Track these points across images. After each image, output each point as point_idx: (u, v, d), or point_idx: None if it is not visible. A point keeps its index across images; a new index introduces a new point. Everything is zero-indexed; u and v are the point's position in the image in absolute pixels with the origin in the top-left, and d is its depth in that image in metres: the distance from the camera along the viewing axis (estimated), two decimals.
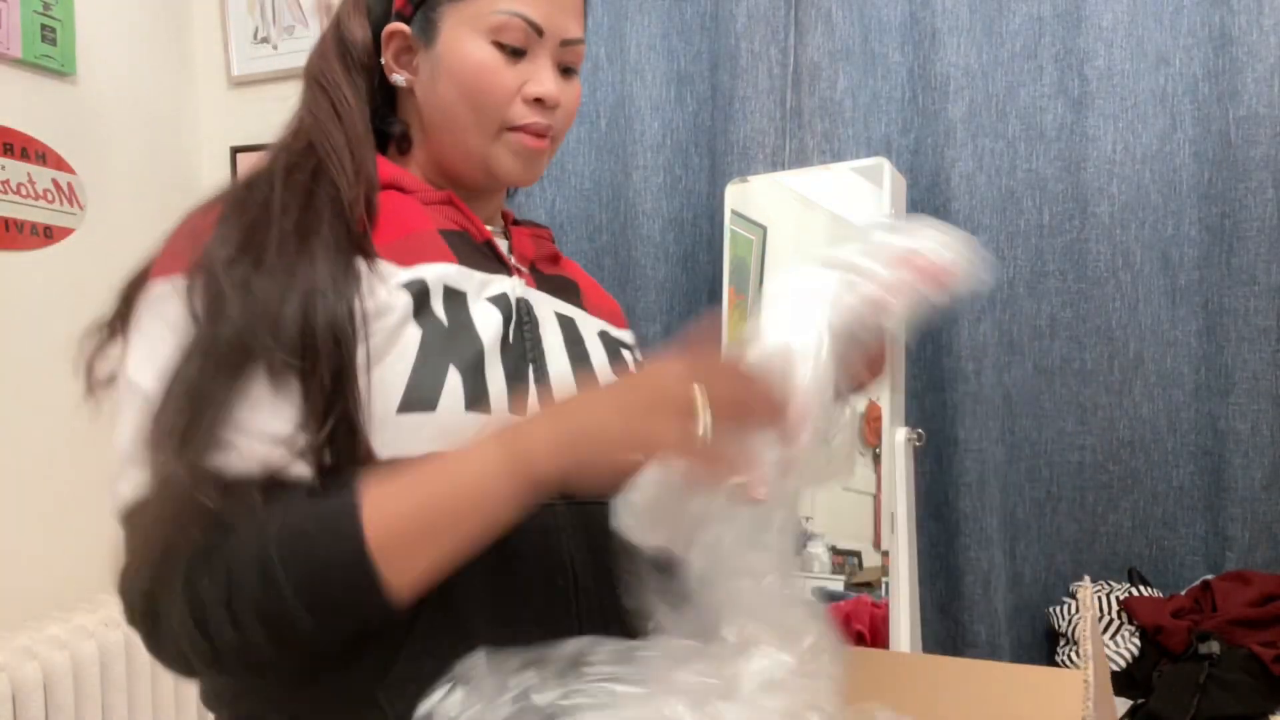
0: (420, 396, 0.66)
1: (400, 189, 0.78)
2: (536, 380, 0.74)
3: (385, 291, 0.68)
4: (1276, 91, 1.55)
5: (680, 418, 0.58)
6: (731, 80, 1.79)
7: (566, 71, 0.80)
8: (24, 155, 1.70)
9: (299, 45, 2.05)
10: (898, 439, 1.53)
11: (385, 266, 0.69)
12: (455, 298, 0.72)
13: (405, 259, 0.71)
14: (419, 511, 0.59)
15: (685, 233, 1.88)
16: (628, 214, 1.86)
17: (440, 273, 0.72)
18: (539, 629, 0.65)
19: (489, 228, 0.82)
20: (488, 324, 0.72)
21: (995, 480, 1.68)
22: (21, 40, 1.67)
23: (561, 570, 0.71)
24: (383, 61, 0.81)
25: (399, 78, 0.80)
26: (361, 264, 0.68)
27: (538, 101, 0.77)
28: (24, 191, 1.69)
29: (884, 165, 1.57)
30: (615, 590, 0.74)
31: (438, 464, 0.60)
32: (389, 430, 0.65)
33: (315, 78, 0.81)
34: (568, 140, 1.92)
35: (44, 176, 1.74)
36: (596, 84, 1.92)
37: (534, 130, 0.77)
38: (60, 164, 1.77)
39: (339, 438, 0.63)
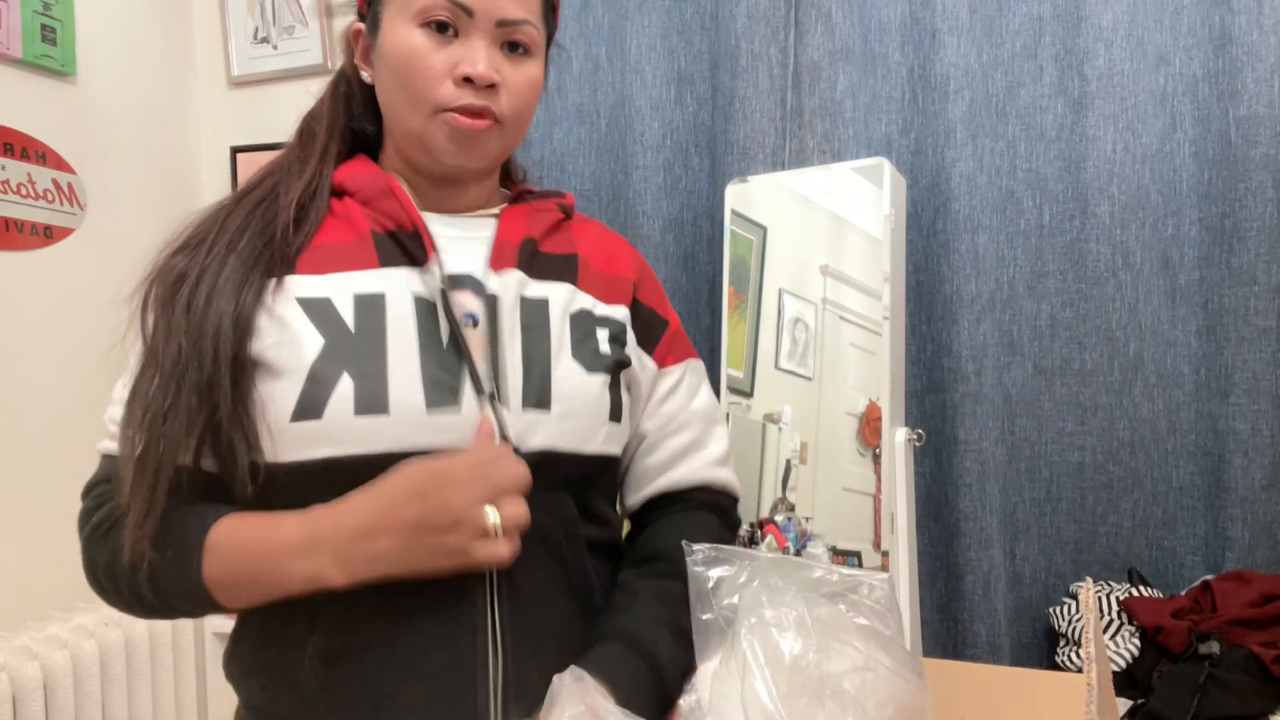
0: (309, 405, 0.70)
1: (346, 191, 0.80)
2: (472, 376, 0.74)
3: (285, 305, 0.72)
4: (1276, 91, 1.55)
5: (474, 539, 0.66)
6: (731, 80, 1.79)
7: (515, 53, 0.78)
8: (24, 155, 1.70)
9: (299, 45, 2.05)
10: (898, 439, 1.53)
11: (294, 280, 0.74)
12: (370, 303, 0.73)
13: (323, 267, 0.75)
14: (237, 568, 0.70)
15: (685, 233, 1.88)
16: (628, 214, 1.86)
17: (353, 280, 0.74)
18: (442, 652, 0.70)
19: (475, 214, 0.83)
20: (402, 327, 0.73)
21: (995, 480, 1.68)
22: (21, 40, 1.67)
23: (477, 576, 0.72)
24: (355, 63, 0.84)
25: (365, 75, 0.83)
26: (271, 282, 0.74)
27: (468, 81, 0.75)
28: (24, 191, 1.69)
29: (884, 165, 1.57)
30: (549, 600, 0.75)
31: (262, 532, 0.70)
32: (286, 438, 0.70)
33: (322, 92, 0.88)
34: (567, 140, 1.92)
35: (44, 176, 1.74)
36: (596, 84, 1.92)
37: (467, 111, 0.76)
38: (60, 164, 1.77)
39: (224, 437, 0.72)
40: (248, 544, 0.70)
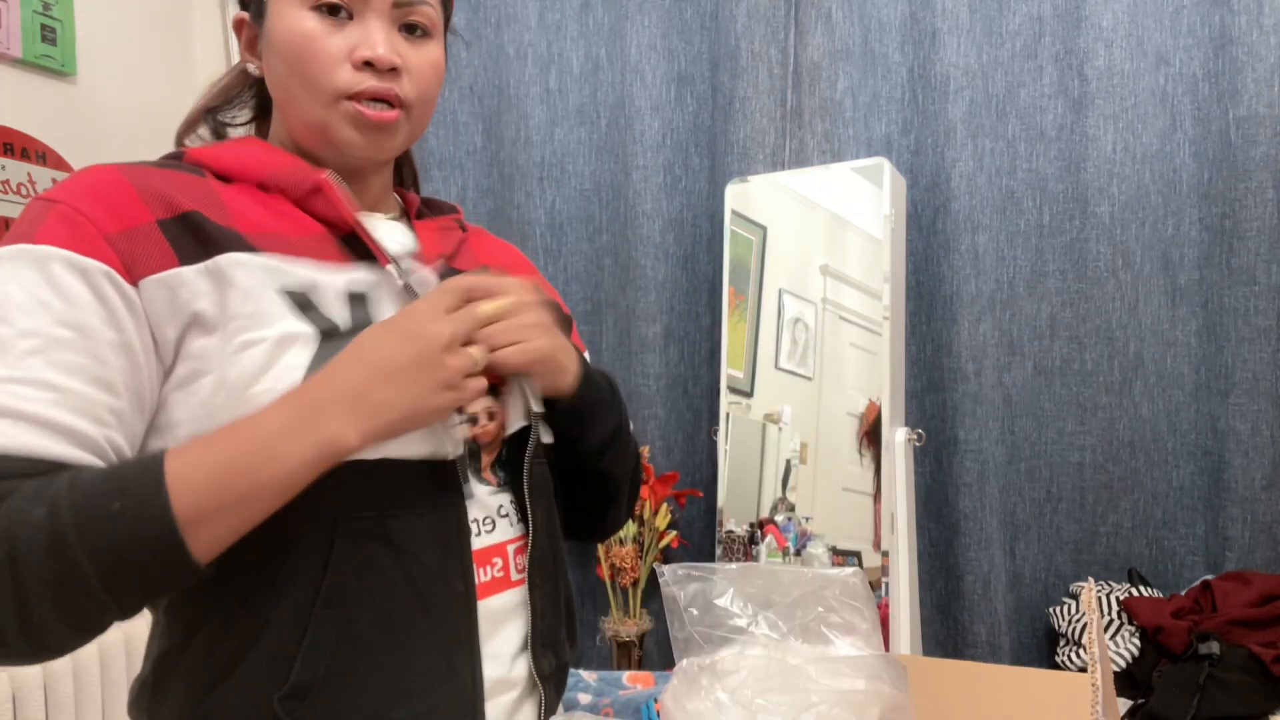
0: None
1: (268, 187, 0.73)
2: None
3: (263, 294, 0.65)
4: (1276, 91, 1.55)
5: (463, 378, 0.65)
6: (731, 80, 1.79)
7: (414, 35, 0.74)
8: (24, 155, 1.70)
9: None
10: (898, 439, 1.53)
11: (260, 259, 0.66)
12: (359, 300, 0.69)
13: (286, 251, 0.68)
14: (220, 481, 0.58)
15: (685, 233, 1.88)
16: (628, 214, 1.86)
17: (330, 273, 0.69)
18: (435, 633, 0.66)
19: (375, 216, 0.78)
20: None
21: (995, 480, 1.68)
22: (21, 40, 1.67)
23: (462, 573, 0.68)
24: (241, 54, 0.78)
25: (252, 66, 0.78)
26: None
27: (368, 65, 0.71)
28: (24, 191, 1.69)
29: (884, 165, 1.57)
30: (549, 589, 0.73)
31: (236, 434, 0.60)
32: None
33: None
34: (568, 140, 1.92)
35: (44, 176, 1.74)
36: (596, 84, 1.92)
37: (370, 95, 0.71)
38: (60, 164, 1.77)
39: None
40: (225, 450, 0.58)
